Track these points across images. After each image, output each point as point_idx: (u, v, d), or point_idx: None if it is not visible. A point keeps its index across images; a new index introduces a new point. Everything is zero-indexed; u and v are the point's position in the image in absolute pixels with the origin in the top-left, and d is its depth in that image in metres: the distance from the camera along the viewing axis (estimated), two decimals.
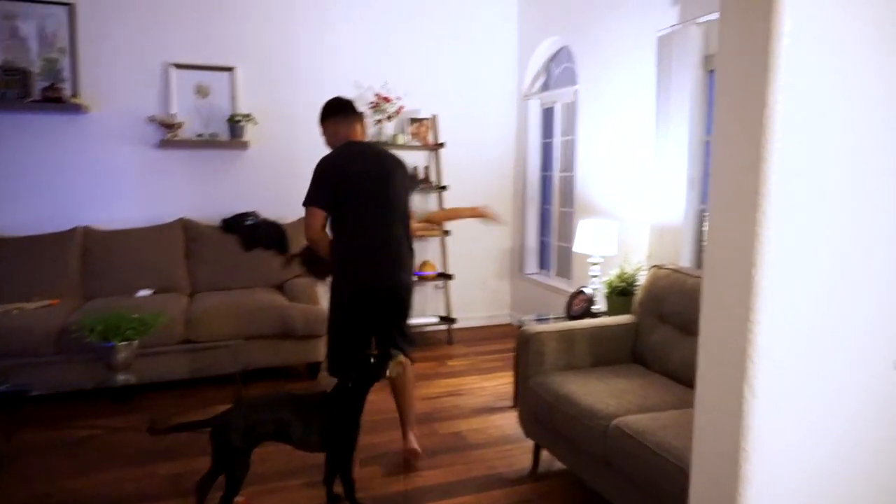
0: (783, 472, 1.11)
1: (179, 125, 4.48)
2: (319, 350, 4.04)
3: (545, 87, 5.28)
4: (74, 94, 4.24)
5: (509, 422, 3.40)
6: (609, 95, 4.17)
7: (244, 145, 4.66)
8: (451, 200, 5.22)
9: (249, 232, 4.66)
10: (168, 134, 4.44)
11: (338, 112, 2.87)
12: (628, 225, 3.91)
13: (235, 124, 4.59)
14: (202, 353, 3.63)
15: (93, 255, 4.21)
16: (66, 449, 3.06)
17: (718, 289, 1.15)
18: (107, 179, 4.45)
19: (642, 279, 3.34)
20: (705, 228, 3.26)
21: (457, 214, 3.69)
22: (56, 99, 4.13)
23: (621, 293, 3.47)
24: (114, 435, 3.23)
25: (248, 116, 4.62)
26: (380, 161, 2.80)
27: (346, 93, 4.93)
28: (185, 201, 4.62)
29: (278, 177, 4.83)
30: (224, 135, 4.61)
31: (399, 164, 2.87)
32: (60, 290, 4.05)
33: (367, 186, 2.72)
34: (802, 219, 1.08)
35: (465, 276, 5.33)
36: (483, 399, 3.79)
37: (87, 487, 2.69)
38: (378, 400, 3.75)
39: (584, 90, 4.46)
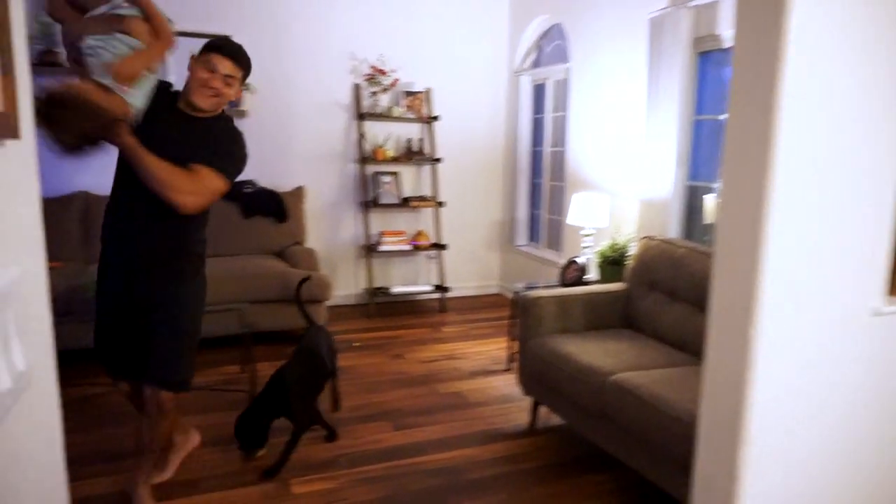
0: (783, 398, 1.30)
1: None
2: (320, 315, 4.18)
3: (536, 63, 5.40)
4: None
5: (506, 383, 3.59)
6: (601, 74, 4.32)
7: (242, 114, 4.71)
8: (445, 173, 5.35)
9: (248, 199, 4.75)
10: None
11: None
12: (619, 199, 4.09)
13: None
14: (209, 316, 3.73)
15: (93, 219, 4.25)
16: (72, 406, 3.17)
17: (730, 251, 1.32)
18: (105, 145, 4.46)
19: (633, 249, 3.54)
20: (703, 203, 3.47)
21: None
22: (52, 63, 4.12)
23: (613, 262, 3.66)
24: (116, 394, 3.34)
25: (245, 85, 4.66)
26: None
27: (343, 65, 5.01)
28: None
29: (276, 145, 4.89)
30: None
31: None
32: (62, 253, 4.10)
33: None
34: (806, 196, 1.25)
35: (458, 247, 5.48)
36: (479, 362, 3.98)
37: (89, 443, 2.82)
38: (378, 363, 3.93)
39: (576, 68, 4.60)
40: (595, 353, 2.73)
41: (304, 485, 2.53)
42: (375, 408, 3.27)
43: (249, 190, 4.71)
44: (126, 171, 2.08)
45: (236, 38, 4.70)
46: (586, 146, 4.52)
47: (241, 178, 4.90)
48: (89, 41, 1.82)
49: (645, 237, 3.34)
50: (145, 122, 2.00)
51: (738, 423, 1.24)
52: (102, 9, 1.86)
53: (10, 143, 0.65)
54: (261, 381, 2.81)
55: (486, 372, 3.82)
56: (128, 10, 1.90)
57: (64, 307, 3.57)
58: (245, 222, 4.56)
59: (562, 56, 4.93)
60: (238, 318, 3.60)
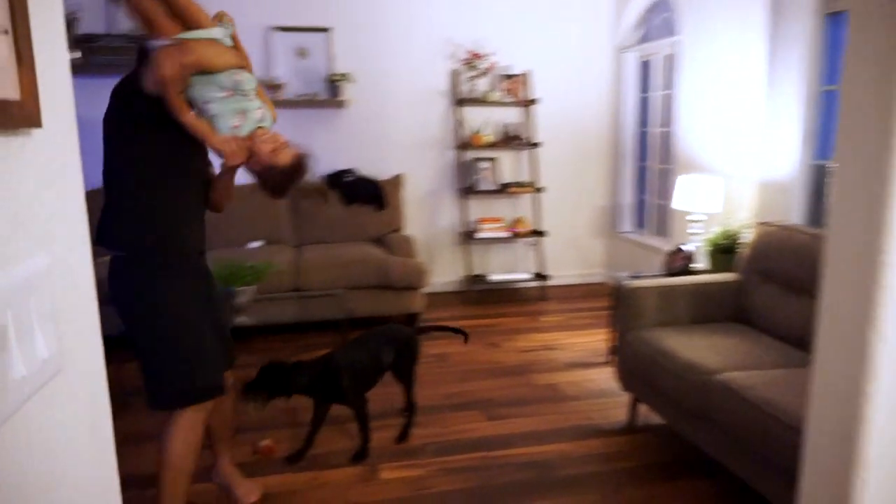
0: None
1: (281, 86, 4.68)
2: (417, 301, 4.21)
3: (643, 38, 5.08)
4: None
5: (604, 376, 3.43)
6: (714, 45, 3.98)
7: (342, 104, 4.82)
8: (545, 158, 5.19)
9: (349, 188, 4.87)
10: (271, 95, 4.65)
11: None
12: (733, 181, 3.76)
13: (333, 83, 4.74)
14: (310, 301, 3.87)
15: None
16: None
17: (846, 239, 1.13)
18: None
19: (747, 237, 3.24)
20: (828, 183, 3.11)
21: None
22: None
23: (724, 251, 3.38)
24: (235, 371, 3.53)
25: (345, 76, 4.76)
26: None
27: (440, 50, 4.97)
28: None
29: (375, 134, 4.97)
30: (323, 94, 4.77)
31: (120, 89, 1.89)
32: None
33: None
34: None
35: (559, 234, 5.32)
36: (577, 354, 3.83)
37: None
38: (473, 351, 3.89)
39: (686, 41, 4.27)
40: (700, 348, 2.52)
41: (392, 471, 2.54)
42: (467, 396, 3.23)
43: (350, 178, 4.83)
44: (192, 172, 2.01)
45: (335, 30, 4.84)
46: (697, 125, 4.19)
47: (341, 167, 5.04)
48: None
49: (761, 223, 3.04)
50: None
51: (853, 443, 1.06)
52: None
53: (38, 131, 0.65)
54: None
55: (584, 364, 3.67)
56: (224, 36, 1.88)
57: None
58: (345, 210, 4.71)
59: (670, 29, 4.60)
60: (336, 303, 3.70)
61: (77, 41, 4.24)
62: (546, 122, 5.18)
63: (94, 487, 0.78)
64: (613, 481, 2.46)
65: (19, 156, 0.62)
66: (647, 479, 2.47)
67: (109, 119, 1.87)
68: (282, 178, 2.02)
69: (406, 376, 2.84)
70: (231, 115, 1.87)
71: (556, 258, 5.36)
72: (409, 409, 2.84)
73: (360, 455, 2.61)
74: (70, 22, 4.22)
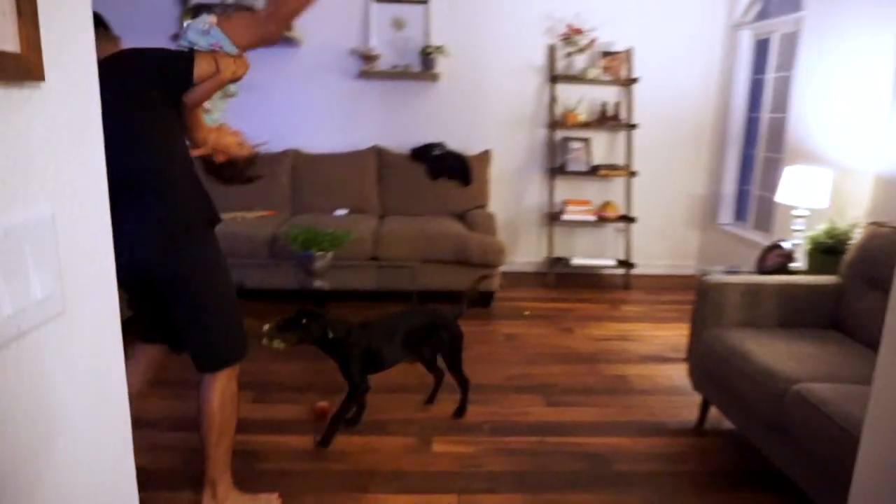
0: None
1: (377, 57, 4.73)
2: (493, 280, 4.17)
3: (761, 15, 4.67)
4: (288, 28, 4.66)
5: (679, 373, 3.26)
6: (843, 22, 3.58)
7: (435, 77, 4.80)
8: (642, 140, 4.95)
9: (436, 161, 4.89)
10: (366, 66, 4.72)
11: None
12: (847, 174, 3.41)
13: (427, 56, 4.73)
14: (385, 271, 3.94)
15: (301, 175, 4.71)
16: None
17: None
18: (313, 107, 4.89)
19: (855, 237, 2.93)
20: None
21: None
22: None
23: (827, 251, 3.08)
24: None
25: (439, 48, 4.74)
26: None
27: (538, 25, 4.83)
28: (379, 130, 4.93)
29: (466, 108, 4.93)
30: (416, 66, 4.78)
31: (123, 61, 1.82)
32: (275, 203, 4.62)
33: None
34: None
35: (650, 221, 5.07)
36: (654, 347, 3.67)
37: (282, 372, 3.13)
38: (544, 335, 3.82)
39: (810, 17, 3.88)
40: (782, 354, 2.32)
41: (444, 444, 2.56)
42: (531, 379, 3.18)
43: (438, 153, 4.85)
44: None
45: (433, 3, 4.80)
46: (813, 111, 3.82)
47: (430, 140, 5.06)
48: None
49: (873, 223, 2.74)
50: None
51: None
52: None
53: (43, 85, 0.67)
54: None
55: (659, 358, 3.50)
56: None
57: (268, 251, 4.03)
58: (431, 183, 4.73)
59: (795, 4, 4.19)
60: (409, 275, 3.75)
61: (194, 9, 4.48)
62: (645, 103, 4.92)
63: (100, 434, 0.82)
64: (671, 484, 2.34)
65: (21, 108, 0.65)
66: (708, 487, 2.33)
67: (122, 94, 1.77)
68: (242, 167, 2.22)
69: (448, 362, 2.76)
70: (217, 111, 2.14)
71: (645, 246, 5.13)
72: (462, 387, 2.79)
73: (324, 441, 2.49)
74: None
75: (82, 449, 0.79)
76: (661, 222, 5.16)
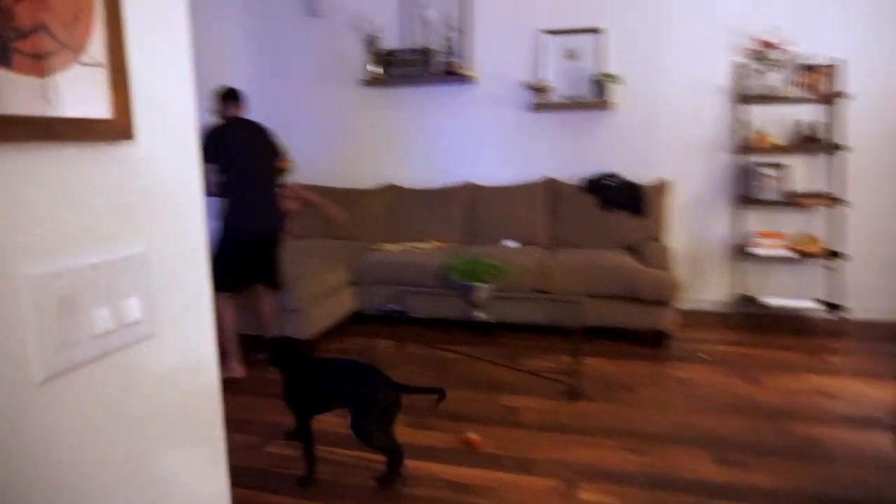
0: None
1: (549, 89, 4.74)
2: (666, 317, 3.89)
3: None
4: (463, 66, 4.87)
5: (890, 442, 2.72)
6: None
7: (609, 106, 4.67)
8: (856, 165, 4.30)
9: (607, 192, 4.72)
10: (539, 98, 4.74)
11: (229, 98, 3.59)
12: None
13: (600, 85, 4.62)
14: (547, 304, 3.88)
15: (473, 207, 4.85)
16: (433, 365, 3.69)
17: None
18: (486, 141, 5.03)
19: None
20: None
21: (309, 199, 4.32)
22: (451, 72, 4.81)
23: None
24: (471, 362, 3.74)
25: (612, 77, 4.60)
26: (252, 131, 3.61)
27: (720, 41, 4.48)
28: (552, 161, 4.90)
29: (641, 137, 4.71)
30: (589, 96, 4.69)
31: (267, 133, 3.65)
32: (447, 234, 4.80)
33: (247, 149, 3.52)
34: None
35: (866, 258, 4.36)
36: (861, 408, 3.11)
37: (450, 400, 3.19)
38: (723, 382, 3.45)
39: None
40: None
41: (592, 492, 2.41)
42: (700, 432, 2.88)
43: (610, 183, 4.69)
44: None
45: (608, 30, 4.70)
46: None
47: (604, 170, 4.94)
48: None
49: None
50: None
51: None
52: None
53: (133, 143, 0.78)
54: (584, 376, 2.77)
55: (866, 421, 2.96)
56: None
57: (436, 281, 4.20)
58: (602, 215, 4.58)
59: None
60: (573, 309, 3.64)
61: (379, 56, 4.91)
62: (860, 124, 4.28)
63: (190, 438, 0.91)
64: None
65: (114, 163, 0.76)
66: None
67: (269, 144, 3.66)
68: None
69: (361, 432, 2.34)
70: None
71: (861, 287, 4.41)
72: (389, 460, 2.44)
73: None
74: (372, 40, 4.91)
75: (173, 456, 0.88)
76: (884, 260, 4.40)
